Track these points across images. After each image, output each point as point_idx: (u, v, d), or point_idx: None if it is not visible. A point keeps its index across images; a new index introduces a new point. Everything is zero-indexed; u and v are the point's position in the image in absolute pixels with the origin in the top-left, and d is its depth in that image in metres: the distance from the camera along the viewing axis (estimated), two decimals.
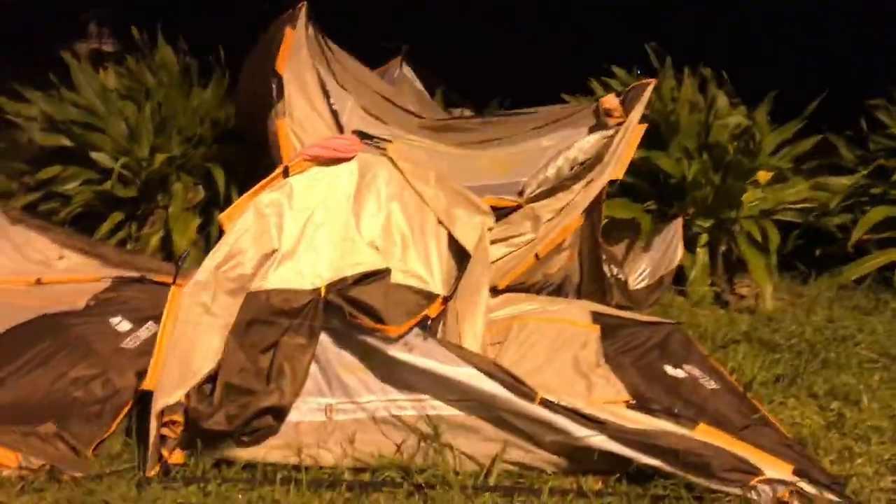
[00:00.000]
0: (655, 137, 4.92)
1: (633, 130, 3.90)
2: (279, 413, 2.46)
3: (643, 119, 4.54)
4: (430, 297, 2.65)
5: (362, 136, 3.00)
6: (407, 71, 5.12)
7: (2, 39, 7.24)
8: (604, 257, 4.24)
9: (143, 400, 2.62)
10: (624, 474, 2.60)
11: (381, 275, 2.56)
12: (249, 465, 2.52)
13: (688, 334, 3.96)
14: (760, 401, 3.32)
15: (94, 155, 4.77)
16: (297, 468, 2.50)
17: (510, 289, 4.14)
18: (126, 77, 5.21)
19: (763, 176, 5.06)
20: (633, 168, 4.82)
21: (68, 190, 4.76)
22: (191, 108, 5.10)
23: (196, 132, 5.02)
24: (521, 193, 3.72)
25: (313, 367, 2.52)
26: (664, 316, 4.47)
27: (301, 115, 3.63)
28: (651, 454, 2.57)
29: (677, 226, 4.80)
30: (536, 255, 3.98)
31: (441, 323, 2.77)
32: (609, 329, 3.81)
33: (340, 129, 3.73)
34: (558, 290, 4.29)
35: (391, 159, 2.96)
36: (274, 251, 2.60)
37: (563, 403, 2.63)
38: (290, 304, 2.51)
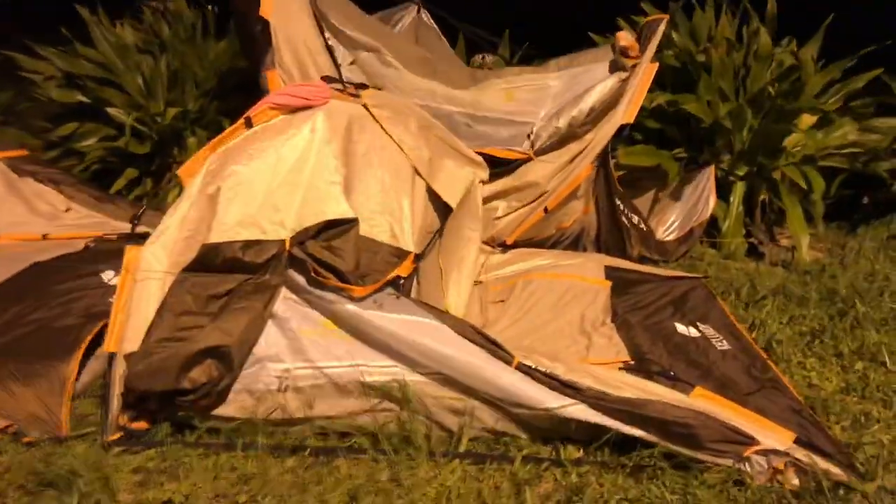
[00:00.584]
0: (686, 79, 4.63)
1: (645, 70, 3.63)
2: (225, 358, 2.29)
3: (667, 57, 4.27)
4: (400, 254, 2.48)
5: (331, 81, 2.83)
6: (425, 16, 4.91)
7: None
8: (622, 207, 4.01)
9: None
10: (605, 442, 2.43)
11: (348, 225, 2.41)
12: (214, 431, 2.45)
13: (710, 289, 3.73)
14: (778, 361, 3.09)
15: (109, 110, 4.75)
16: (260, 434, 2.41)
17: (523, 244, 3.99)
18: (143, 31, 5.14)
19: (806, 119, 4.71)
20: (661, 112, 4.59)
21: (83, 147, 4.75)
22: (207, 61, 5.01)
23: (212, 85, 4.93)
24: (530, 141, 3.54)
25: (274, 329, 2.41)
26: (693, 269, 4.26)
27: (292, 63, 3.47)
28: (635, 424, 2.39)
29: (709, 173, 4.52)
30: (546, 209, 3.78)
31: (414, 281, 2.61)
32: (623, 285, 3.62)
33: (339, 73, 3.58)
34: (575, 244, 4.09)
35: (366, 106, 2.78)
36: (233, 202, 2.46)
37: (540, 369, 2.46)
38: (249, 256, 2.37)
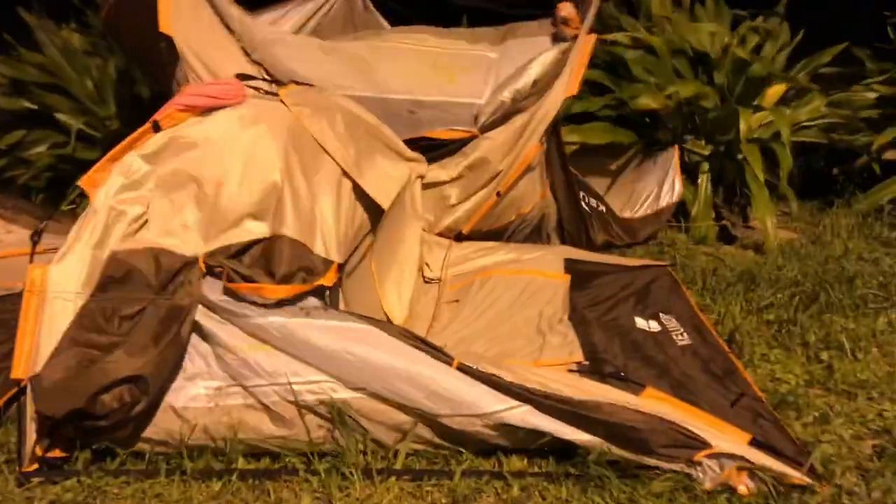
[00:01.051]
0: (640, 63, 4.48)
1: (584, 41, 3.50)
2: (140, 382, 2.12)
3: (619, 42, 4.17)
4: (324, 264, 2.34)
5: (245, 78, 2.68)
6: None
7: None
8: (579, 192, 3.88)
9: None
10: (550, 451, 2.30)
11: (260, 242, 2.28)
12: (139, 455, 2.32)
13: (676, 278, 3.60)
14: (741, 353, 2.97)
15: (57, 116, 4.61)
16: (186, 457, 2.29)
17: (483, 235, 3.86)
18: (89, 34, 4.98)
19: (773, 93, 4.58)
20: (618, 101, 4.45)
21: (32, 155, 4.60)
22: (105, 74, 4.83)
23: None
24: (475, 119, 3.41)
25: (198, 347, 2.28)
26: (661, 256, 4.13)
27: (203, 70, 3.18)
28: (583, 428, 2.26)
29: (673, 153, 4.39)
30: (498, 193, 3.66)
31: (340, 291, 2.47)
32: (583, 277, 3.49)
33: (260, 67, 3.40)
34: (538, 232, 3.95)
35: (285, 104, 2.62)
36: (143, 216, 2.34)
37: (482, 369, 2.34)
38: (160, 267, 2.24)
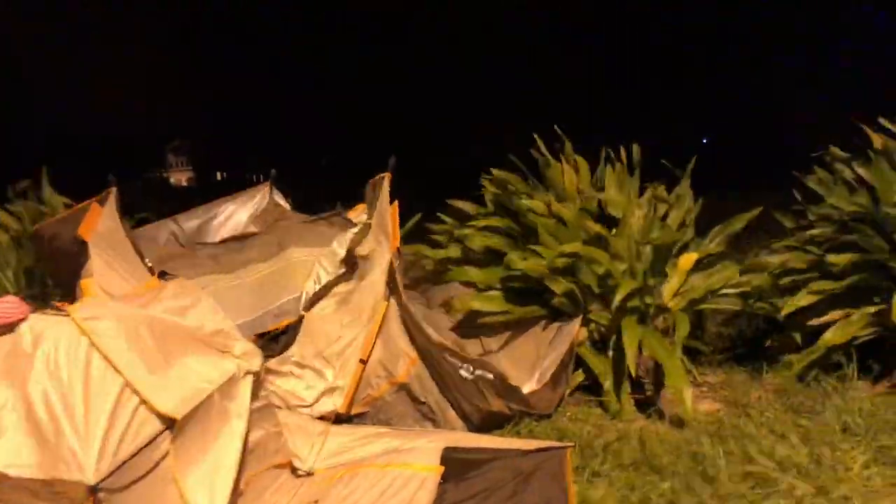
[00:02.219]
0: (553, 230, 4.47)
1: (388, 208, 3.96)
2: None
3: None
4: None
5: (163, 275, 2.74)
6: (277, 196, 4.99)
7: None
8: (453, 359, 3.81)
9: None
10: None
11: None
12: None
13: (566, 464, 3.40)
14: None
15: None
16: None
17: (376, 413, 3.78)
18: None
19: (685, 261, 4.52)
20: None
21: None
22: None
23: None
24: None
25: None
26: (571, 432, 3.93)
27: (104, 268, 3.53)
28: None
29: (575, 325, 4.28)
30: (361, 360, 3.71)
31: None
32: (462, 467, 3.28)
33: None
34: (417, 400, 3.86)
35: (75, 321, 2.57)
36: None
37: None
38: None
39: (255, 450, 3.07)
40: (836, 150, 4.58)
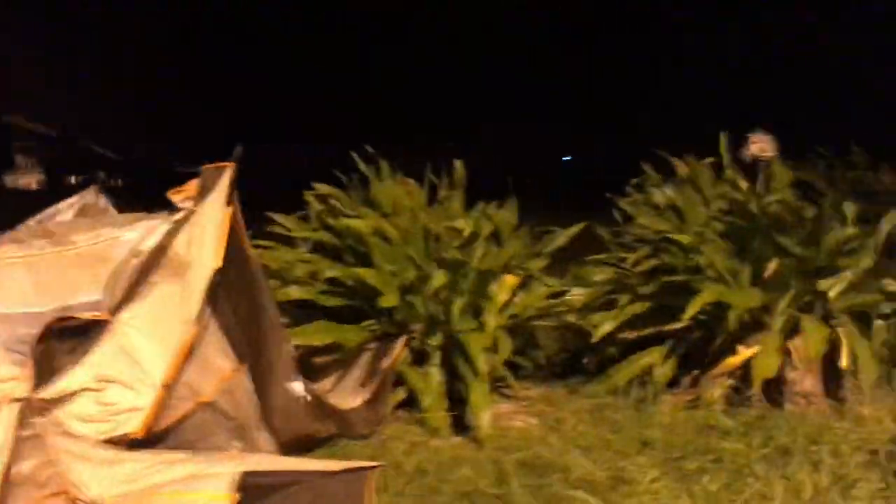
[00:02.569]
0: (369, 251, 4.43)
1: (219, 214, 3.41)
2: None
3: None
4: None
5: None
6: (101, 200, 4.66)
7: None
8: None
9: None
10: None
11: None
12: None
13: (369, 486, 3.35)
14: None
15: None
16: None
17: (163, 432, 3.57)
18: None
19: (510, 279, 4.58)
20: (345, 287, 4.36)
21: None
22: None
23: None
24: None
25: None
26: (387, 451, 3.90)
27: None
28: None
29: (398, 344, 4.25)
30: (164, 385, 3.34)
31: None
32: (259, 494, 3.18)
33: None
34: (228, 419, 3.68)
35: None
36: None
37: None
38: None
39: (24, 483, 2.86)
40: (650, 174, 4.77)
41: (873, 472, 3.35)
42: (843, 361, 4.10)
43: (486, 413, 3.96)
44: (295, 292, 4.33)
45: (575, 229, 4.88)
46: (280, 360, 3.77)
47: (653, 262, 4.48)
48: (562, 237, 4.87)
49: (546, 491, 3.31)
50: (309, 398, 3.83)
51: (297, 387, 3.81)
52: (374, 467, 3.49)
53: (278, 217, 4.58)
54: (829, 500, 3.15)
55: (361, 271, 4.23)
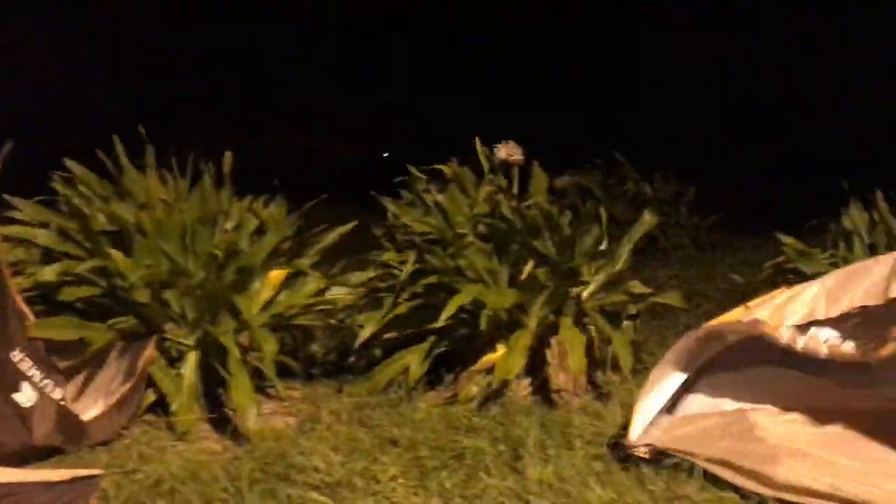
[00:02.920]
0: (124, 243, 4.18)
1: None
2: None
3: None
4: None
5: None
6: None
7: None
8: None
9: None
10: None
11: None
12: None
13: (93, 495, 3.17)
14: None
15: None
16: None
17: None
18: None
19: (275, 277, 4.47)
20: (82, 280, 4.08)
21: None
22: None
23: None
24: None
25: None
26: (122, 459, 3.68)
27: None
28: None
29: (147, 345, 4.04)
30: None
31: None
32: None
33: None
34: None
35: None
36: None
37: None
38: None
39: None
40: (416, 174, 4.81)
41: (599, 463, 3.53)
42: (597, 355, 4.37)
43: (249, 414, 3.84)
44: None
45: (347, 227, 4.83)
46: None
47: (418, 263, 4.51)
48: (333, 234, 4.81)
49: (281, 493, 3.25)
50: (26, 406, 3.56)
51: (22, 397, 3.56)
52: (97, 475, 3.31)
53: (16, 201, 4.20)
54: (556, 492, 3.29)
55: (113, 263, 3.96)
